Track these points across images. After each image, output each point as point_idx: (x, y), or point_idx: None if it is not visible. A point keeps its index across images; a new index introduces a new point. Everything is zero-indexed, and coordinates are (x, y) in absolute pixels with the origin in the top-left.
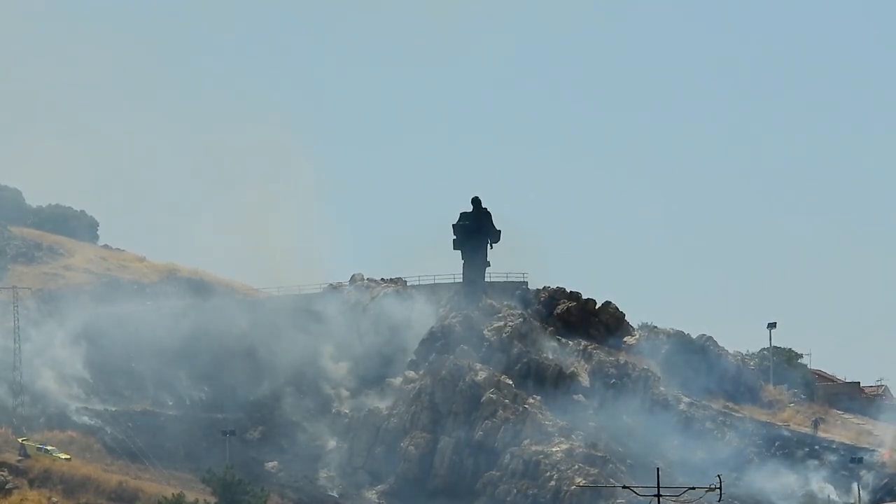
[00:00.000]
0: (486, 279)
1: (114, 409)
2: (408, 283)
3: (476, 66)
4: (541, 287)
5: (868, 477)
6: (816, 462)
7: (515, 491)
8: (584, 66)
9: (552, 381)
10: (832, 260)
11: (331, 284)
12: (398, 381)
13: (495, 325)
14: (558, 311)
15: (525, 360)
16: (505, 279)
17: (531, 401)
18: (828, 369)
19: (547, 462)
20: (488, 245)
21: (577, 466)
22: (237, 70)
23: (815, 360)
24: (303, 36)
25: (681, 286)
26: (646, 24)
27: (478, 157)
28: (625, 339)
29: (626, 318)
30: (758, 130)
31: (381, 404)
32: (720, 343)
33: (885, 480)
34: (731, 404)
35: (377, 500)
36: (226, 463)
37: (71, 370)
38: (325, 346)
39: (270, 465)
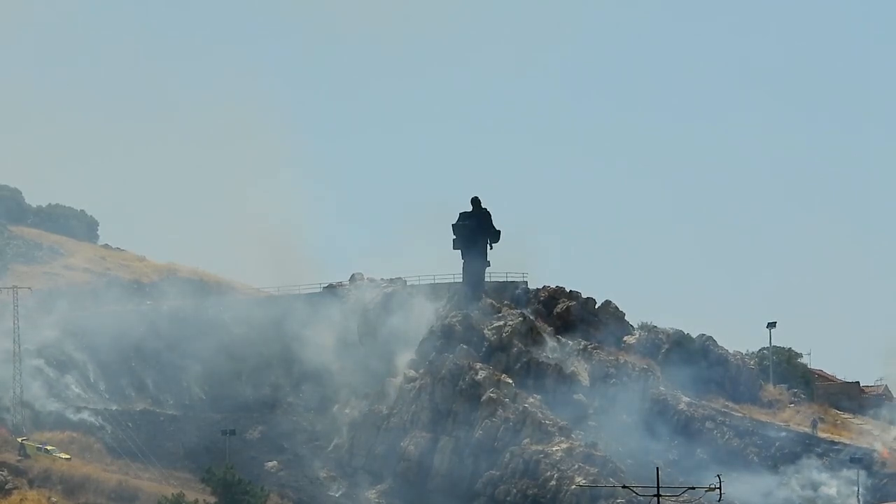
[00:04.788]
0: (486, 279)
1: (114, 408)
2: (408, 283)
3: (476, 66)
4: (541, 287)
5: (867, 476)
6: (816, 462)
7: (515, 491)
8: (585, 65)
9: (552, 381)
10: (832, 260)
11: (331, 284)
12: (398, 380)
13: (495, 325)
14: (558, 310)
15: (525, 359)
16: (505, 279)
17: (531, 400)
18: (828, 369)
19: (547, 462)
20: (488, 245)
21: (577, 466)
22: (238, 70)
23: (815, 360)
24: (303, 36)
25: (681, 286)
26: (646, 24)
27: (478, 157)
28: (625, 338)
29: (626, 317)
30: (758, 130)
31: (381, 404)
32: (720, 343)
33: (885, 480)
34: (730, 404)
35: (377, 500)
36: (226, 463)
37: (71, 370)
38: (325, 345)
39: (270, 465)
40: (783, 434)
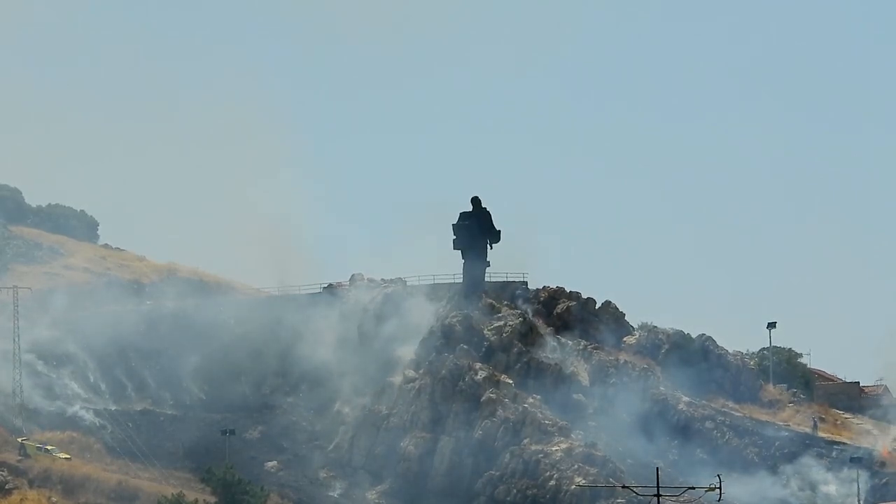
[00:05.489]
0: (486, 279)
1: (114, 408)
2: (408, 283)
3: (476, 66)
4: (541, 287)
5: (867, 476)
6: (816, 462)
7: (515, 491)
8: (585, 65)
9: (552, 381)
10: (832, 260)
11: (330, 284)
12: (398, 380)
13: (495, 325)
14: (558, 310)
15: (525, 360)
16: (505, 279)
17: (531, 401)
18: (828, 369)
19: (547, 462)
20: (488, 245)
21: (576, 466)
22: (238, 70)
23: (815, 360)
24: (303, 36)
25: (681, 286)
26: (646, 24)
27: (478, 157)
28: (625, 338)
29: (626, 317)
30: (758, 130)
31: (381, 404)
32: (720, 343)
33: (885, 480)
34: (730, 404)
35: (377, 500)
36: (226, 463)
37: (71, 370)
38: (325, 345)
39: (270, 465)
40: (783, 434)
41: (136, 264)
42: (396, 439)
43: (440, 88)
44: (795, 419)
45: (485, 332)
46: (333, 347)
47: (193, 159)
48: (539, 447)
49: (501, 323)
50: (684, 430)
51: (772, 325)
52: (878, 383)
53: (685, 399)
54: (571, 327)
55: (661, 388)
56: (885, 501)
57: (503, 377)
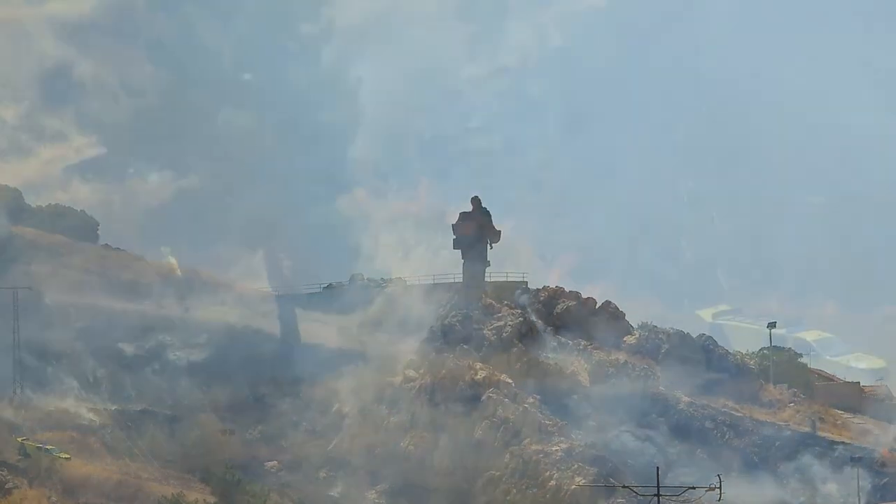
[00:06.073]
0: (486, 279)
1: (113, 408)
2: (407, 283)
3: (475, 64)
4: (541, 287)
5: (867, 477)
6: (816, 462)
7: (515, 491)
8: (584, 62)
9: (552, 381)
10: (832, 259)
11: (330, 284)
12: (398, 380)
13: (495, 325)
14: (558, 310)
15: (525, 359)
16: (505, 279)
17: (531, 400)
18: (828, 369)
19: (547, 462)
20: (488, 245)
21: (576, 466)
22: (235, 67)
23: (815, 360)
24: (299, 36)
25: (681, 286)
26: (646, 23)
27: (478, 157)
28: (624, 338)
29: (626, 317)
30: (757, 129)
31: (381, 404)
32: (720, 343)
33: (885, 480)
34: (730, 404)
35: (377, 500)
36: (226, 463)
37: (71, 369)
38: (325, 345)
39: (270, 464)
40: (783, 434)
41: (136, 264)
42: (396, 439)
43: (440, 87)
44: (795, 419)
45: (485, 332)
46: (333, 347)
47: (193, 158)
48: (539, 447)
49: (501, 323)
50: (684, 430)
51: (772, 325)
52: (878, 383)
53: (685, 399)
54: (571, 327)
55: (661, 388)
56: (886, 501)
57: (503, 377)
